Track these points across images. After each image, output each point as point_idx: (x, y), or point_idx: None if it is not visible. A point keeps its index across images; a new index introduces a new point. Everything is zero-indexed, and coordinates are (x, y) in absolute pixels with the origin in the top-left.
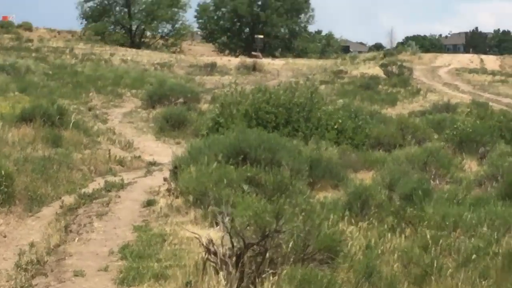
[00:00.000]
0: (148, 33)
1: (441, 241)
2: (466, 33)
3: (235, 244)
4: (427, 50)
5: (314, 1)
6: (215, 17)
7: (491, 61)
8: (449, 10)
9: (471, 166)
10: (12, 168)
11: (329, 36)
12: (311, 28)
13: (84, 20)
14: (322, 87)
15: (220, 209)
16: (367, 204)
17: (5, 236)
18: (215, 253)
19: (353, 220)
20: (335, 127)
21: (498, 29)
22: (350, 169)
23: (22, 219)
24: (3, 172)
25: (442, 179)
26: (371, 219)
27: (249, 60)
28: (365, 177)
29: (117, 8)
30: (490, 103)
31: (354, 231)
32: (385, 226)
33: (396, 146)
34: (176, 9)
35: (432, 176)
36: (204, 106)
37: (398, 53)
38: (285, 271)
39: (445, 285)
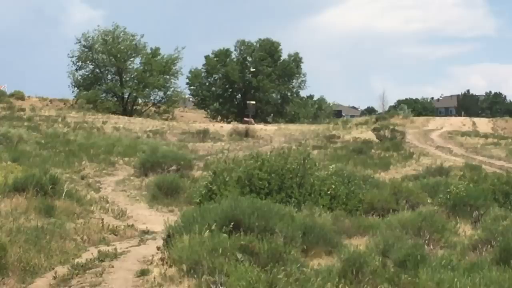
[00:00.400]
0: (140, 101)
1: None
2: (458, 95)
3: None
4: (419, 114)
5: (305, 66)
6: (207, 84)
7: (483, 124)
8: (441, 73)
9: (465, 230)
10: (5, 239)
11: (321, 100)
12: (303, 93)
13: (76, 88)
14: (315, 152)
15: (214, 279)
16: (362, 271)
17: None
18: None
19: None
20: (328, 192)
21: (490, 91)
22: (344, 235)
23: None
24: None
25: (436, 244)
26: (365, 286)
27: (241, 126)
28: (359, 243)
29: (109, 76)
30: (483, 166)
31: None
32: None
33: (389, 211)
34: (168, 76)
35: (426, 241)
36: (197, 173)
37: (390, 117)
38: None
39: None
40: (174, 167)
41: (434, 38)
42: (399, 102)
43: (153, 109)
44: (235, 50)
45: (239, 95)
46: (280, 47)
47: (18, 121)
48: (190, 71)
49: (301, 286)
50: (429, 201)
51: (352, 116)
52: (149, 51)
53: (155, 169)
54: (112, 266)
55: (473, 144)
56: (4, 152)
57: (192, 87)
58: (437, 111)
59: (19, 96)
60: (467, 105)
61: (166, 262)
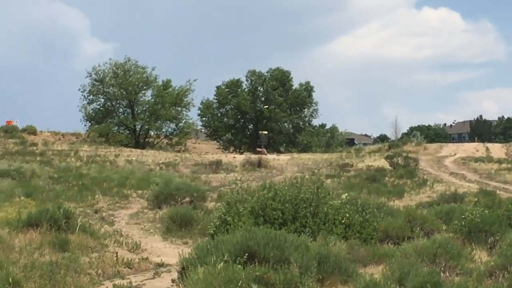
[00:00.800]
0: (152, 133)
1: None
2: (470, 121)
3: None
4: (432, 140)
5: (317, 94)
6: (219, 114)
7: (497, 149)
8: (453, 99)
9: (481, 257)
10: (20, 275)
11: (333, 129)
12: (315, 122)
13: (87, 122)
14: (328, 181)
15: None
16: None
17: None
18: None
19: None
20: (343, 221)
21: (502, 116)
22: (359, 264)
23: None
24: (10, 279)
25: (452, 271)
26: None
27: (254, 157)
28: (375, 271)
29: (121, 109)
30: (498, 192)
31: None
32: None
33: (404, 239)
34: (179, 108)
35: (442, 268)
36: (211, 205)
37: (403, 144)
38: None
39: None
40: (187, 199)
41: (445, 64)
42: (412, 129)
43: (165, 141)
44: (246, 80)
45: (251, 125)
46: (291, 76)
47: (31, 156)
48: (202, 102)
49: None
50: (444, 228)
51: (364, 144)
52: (160, 83)
53: (169, 201)
54: None
55: (487, 169)
56: (18, 187)
57: (204, 118)
58: (450, 137)
59: (31, 131)
60: (480, 130)
61: None
